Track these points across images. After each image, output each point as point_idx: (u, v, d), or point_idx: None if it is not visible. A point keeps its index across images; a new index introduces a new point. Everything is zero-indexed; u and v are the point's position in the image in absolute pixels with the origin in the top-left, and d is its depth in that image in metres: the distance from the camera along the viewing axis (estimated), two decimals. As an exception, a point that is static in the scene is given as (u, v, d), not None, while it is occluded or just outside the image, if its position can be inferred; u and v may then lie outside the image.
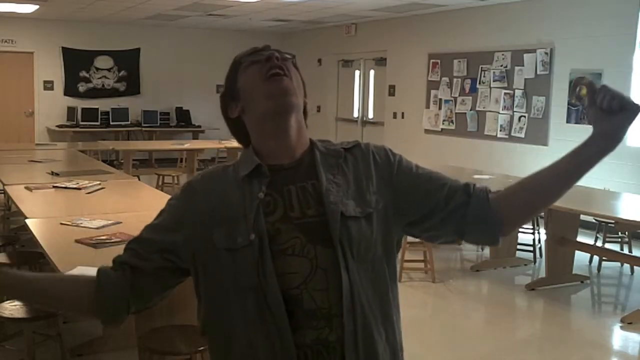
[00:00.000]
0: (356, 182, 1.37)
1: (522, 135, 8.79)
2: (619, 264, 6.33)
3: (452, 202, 1.38)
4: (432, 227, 1.41)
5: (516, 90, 8.88)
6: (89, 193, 4.83)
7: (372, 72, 11.98)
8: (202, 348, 2.86)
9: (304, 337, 1.25)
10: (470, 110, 9.62)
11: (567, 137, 8.19)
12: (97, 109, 12.45)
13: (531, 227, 6.51)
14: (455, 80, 9.89)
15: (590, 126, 1.35)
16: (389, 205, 1.38)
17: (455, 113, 9.89)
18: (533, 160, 8.50)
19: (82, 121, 12.35)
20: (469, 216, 1.38)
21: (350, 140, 1.47)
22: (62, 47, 12.46)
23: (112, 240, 3.33)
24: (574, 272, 5.82)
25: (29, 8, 10.68)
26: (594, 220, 6.25)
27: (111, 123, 12.46)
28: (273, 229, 1.30)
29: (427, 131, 10.43)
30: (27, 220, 3.83)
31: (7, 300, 3.38)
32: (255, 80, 1.39)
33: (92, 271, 2.94)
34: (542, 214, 5.95)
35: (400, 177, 1.41)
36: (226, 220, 1.33)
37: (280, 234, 1.29)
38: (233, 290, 1.31)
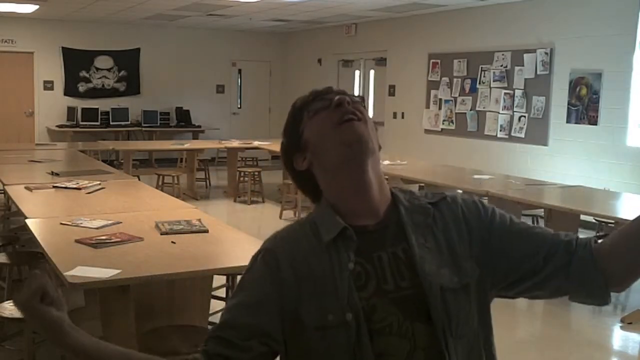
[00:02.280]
0: (449, 247, 1.24)
1: (522, 135, 8.79)
2: (619, 264, 6.32)
3: (550, 264, 1.23)
4: (528, 290, 1.28)
5: (516, 90, 8.88)
6: (89, 193, 4.83)
7: (372, 72, 11.98)
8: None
9: None
10: (470, 110, 9.62)
11: (567, 137, 8.20)
12: (97, 109, 12.45)
13: (531, 227, 6.50)
14: (455, 80, 9.89)
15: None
16: (486, 272, 1.25)
17: (455, 113, 9.89)
18: (533, 160, 8.51)
19: (82, 121, 12.34)
20: (571, 279, 1.22)
21: (436, 192, 1.34)
22: (62, 47, 12.46)
23: (112, 240, 3.32)
24: (574, 272, 5.81)
25: (29, 8, 10.68)
26: (594, 220, 6.25)
27: (111, 123, 12.46)
28: (368, 305, 1.17)
29: (427, 131, 10.43)
30: (27, 220, 3.83)
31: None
32: (325, 128, 1.25)
33: (92, 271, 2.95)
34: (543, 213, 5.95)
35: (494, 238, 1.26)
36: (315, 295, 1.19)
37: (376, 311, 1.17)
38: None
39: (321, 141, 1.26)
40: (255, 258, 1.27)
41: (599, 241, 1.24)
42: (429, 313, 1.17)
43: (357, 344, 1.15)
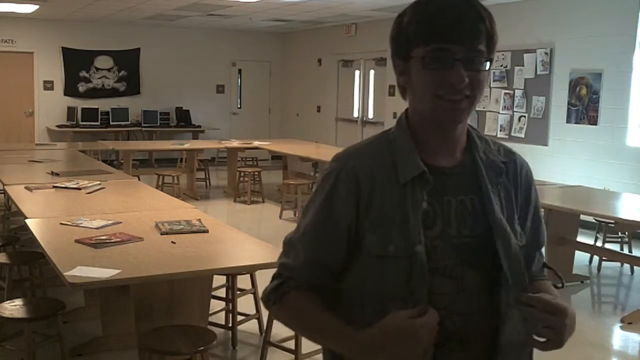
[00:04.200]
0: (508, 208, 1.30)
1: (522, 135, 8.79)
2: (619, 264, 6.33)
3: (527, 269, 1.34)
4: None
5: (516, 90, 8.88)
6: (89, 193, 4.83)
7: (372, 72, 11.97)
8: (202, 348, 2.86)
9: (435, 358, 1.18)
10: (470, 110, 9.62)
11: (567, 137, 8.20)
12: (97, 109, 12.44)
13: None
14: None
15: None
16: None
17: (455, 113, 9.89)
18: (533, 160, 8.46)
19: (82, 121, 12.34)
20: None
21: (507, 149, 1.37)
22: (62, 47, 12.46)
23: (112, 240, 3.33)
24: (574, 272, 5.81)
25: (29, 8, 10.68)
26: (594, 220, 6.25)
27: (111, 123, 12.46)
28: (431, 245, 1.21)
29: (427, 131, 10.42)
30: (27, 220, 3.84)
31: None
32: (427, 93, 1.22)
33: (92, 271, 2.95)
34: (543, 213, 5.95)
35: (521, 221, 1.34)
36: (381, 223, 1.23)
37: (437, 251, 1.21)
38: (374, 299, 1.23)
39: (420, 95, 1.25)
40: (335, 176, 1.27)
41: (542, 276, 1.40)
42: (480, 262, 1.23)
43: (415, 278, 1.19)
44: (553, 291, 1.36)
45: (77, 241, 3.33)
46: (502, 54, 9.05)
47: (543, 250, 1.42)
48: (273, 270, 1.37)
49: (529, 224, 1.35)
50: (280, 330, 3.81)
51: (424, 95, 1.23)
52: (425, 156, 1.26)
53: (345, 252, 1.26)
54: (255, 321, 4.32)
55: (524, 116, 8.78)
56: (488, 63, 1.24)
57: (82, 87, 12.75)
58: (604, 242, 6.37)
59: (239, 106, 14.31)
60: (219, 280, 4.16)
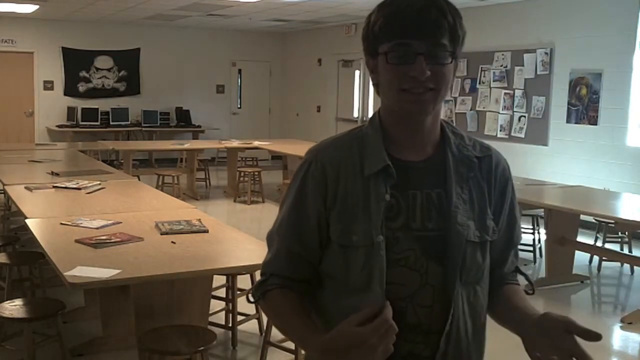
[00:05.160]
0: (480, 203, 1.32)
1: (522, 135, 8.79)
2: (619, 264, 6.33)
3: (498, 269, 1.39)
4: None
5: (516, 90, 8.88)
6: (89, 193, 4.83)
7: (372, 72, 11.97)
8: (202, 348, 2.86)
9: (398, 349, 1.18)
10: (470, 110, 9.62)
11: (567, 137, 8.20)
12: (97, 109, 12.44)
13: (531, 227, 6.51)
14: (455, 80, 9.88)
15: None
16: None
17: (455, 113, 9.89)
18: (533, 160, 8.50)
19: (82, 121, 12.34)
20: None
21: (483, 145, 1.38)
22: (62, 47, 12.46)
23: (112, 240, 3.33)
24: (574, 272, 5.81)
25: (29, 8, 10.68)
26: (594, 220, 6.25)
27: (111, 123, 12.45)
28: (393, 236, 1.25)
29: (427, 131, 10.42)
30: (27, 220, 3.84)
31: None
32: (392, 87, 1.26)
33: (92, 271, 2.95)
34: (543, 213, 5.95)
35: (496, 216, 1.35)
36: (345, 214, 1.27)
37: (399, 242, 1.25)
38: (343, 289, 1.28)
39: (386, 90, 1.28)
40: (305, 170, 1.32)
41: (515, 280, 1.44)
42: (445, 256, 1.26)
43: (374, 268, 1.23)
44: (524, 298, 1.38)
45: (77, 241, 3.33)
46: (502, 54, 9.05)
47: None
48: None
49: (504, 221, 1.37)
50: (280, 330, 3.81)
51: (390, 90, 1.26)
52: (394, 151, 1.29)
53: (318, 243, 1.31)
54: (255, 321, 4.32)
55: (524, 116, 8.78)
56: (452, 57, 1.26)
57: (82, 87, 12.75)
58: (604, 242, 6.36)
59: (239, 106, 14.31)
60: (219, 280, 4.16)
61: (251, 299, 1.40)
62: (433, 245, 1.26)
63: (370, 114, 12.27)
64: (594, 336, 1.21)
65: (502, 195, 1.36)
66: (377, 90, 1.32)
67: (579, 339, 1.21)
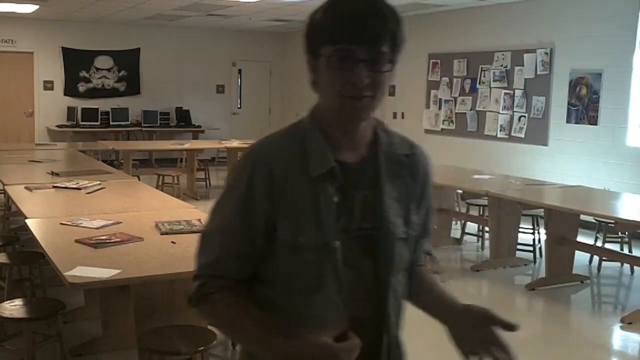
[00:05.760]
0: (407, 200, 1.39)
1: (522, 135, 8.79)
2: (619, 264, 6.33)
3: (412, 255, 1.46)
4: None
5: (516, 90, 8.88)
6: (89, 193, 4.83)
7: (372, 72, 11.96)
8: (202, 348, 2.86)
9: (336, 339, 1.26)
10: (470, 110, 9.62)
11: (567, 137, 8.20)
12: (97, 109, 12.45)
13: (531, 227, 6.51)
14: (455, 80, 9.89)
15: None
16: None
17: (455, 113, 9.89)
18: (533, 160, 8.51)
19: (82, 121, 12.34)
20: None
21: (411, 143, 1.45)
22: (62, 47, 12.46)
23: (112, 240, 3.33)
24: (574, 272, 5.81)
25: (29, 8, 10.68)
26: (594, 220, 6.25)
27: (111, 123, 12.46)
28: (339, 237, 1.30)
29: (427, 131, 10.43)
30: (27, 220, 3.83)
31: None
32: (331, 90, 1.28)
33: (92, 271, 2.95)
34: (543, 213, 5.95)
35: (421, 212, 1.44)
36: (292, 216, 1.29)
37: (341, 244, 1.30)
38: (288, 288, 1.32)
39: (326, 92, 1.31)
40: (250, 170, 1.32)
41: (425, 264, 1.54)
42: (377, 252, 1.34)
43: (327, 269, 1.28)
44: (434, 280, 1.51)
45: (77, 241, 3.33)
46: (502, 54, 9.05)
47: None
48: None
49: (422, 214, 1.44)
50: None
51: (329, 93, 1.29)
52: (334, 151, 1.32)
53: (262, 242, 1.31)
54: (255, 321, 4.31)
55: (524, 116, 8.78)
56: (391, 64, 1.28)
57: (82, 87, 12.75)
58: (604, 242, 6.36)
59: (239, 106, 14.31)
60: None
61: (191, 304, 1.39)
62: (368, 243, 1.33)
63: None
64: (511, 327, 1.31)
65: (423, 190, 1.43)
66: (314, 89, 1.34)
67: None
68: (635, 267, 6.12)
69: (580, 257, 6.10)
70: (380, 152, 1.36)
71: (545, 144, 8.45)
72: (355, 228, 1.31)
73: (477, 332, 1.33)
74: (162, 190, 6.71)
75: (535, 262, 6.43)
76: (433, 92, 10.30)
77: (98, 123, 12.37)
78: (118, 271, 2.85)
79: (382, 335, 1.36)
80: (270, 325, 1.29)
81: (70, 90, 12.64)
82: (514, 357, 1.30)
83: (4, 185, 5.32)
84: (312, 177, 1.29)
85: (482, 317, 1.34)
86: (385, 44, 1.25)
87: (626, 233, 6.40)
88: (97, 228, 3.62)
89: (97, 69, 12.82)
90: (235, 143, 9.95)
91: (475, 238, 7.16)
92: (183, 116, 13.12)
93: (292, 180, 1.29)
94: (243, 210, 1.31)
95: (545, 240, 5.81)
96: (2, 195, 6.24)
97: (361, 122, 1.33)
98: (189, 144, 10.20)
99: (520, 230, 6.35)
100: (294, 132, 1.35)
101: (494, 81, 9.21)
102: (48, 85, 12.53)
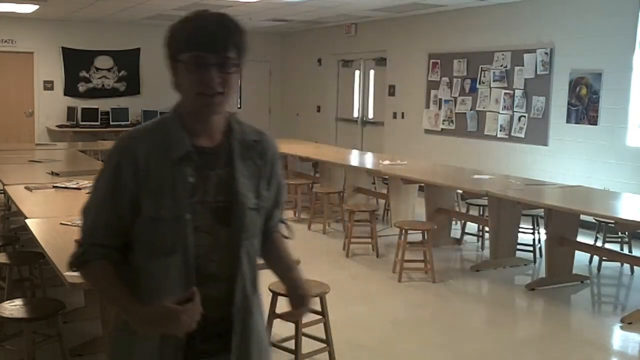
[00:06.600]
0: (256, 177, 1.69)
1: (522, 135, 8.79)
2: (619, 264, 6.33)
3: (267, 222, 1.79)
4: None
5: (516, 90, 8.88)
6: (89, 193, 4.82)
7: (372, 72, 11.97)
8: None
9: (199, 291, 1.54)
10: (470, 110, 9.62)
11: (567, 137, 8.20)
12: (97, 109, 12.44)
13: (531, 227, 6.51)
14: (455, 80, 9.89)
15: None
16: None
17: (455, 113, 9.89)
18: (533, 160, 8.51)
19: (82, 121, 12.34)
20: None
21: (259, 131, 1.75)
22: (62, 47, 12.46)
23: (112, 240, 3.32)
24: (574, 272, 5.82)
25: (29, 8, 10.68)
26: (594, 220, 6.25)
27: (111, 123, 12.45)
28: (192, 209, 1.58)
29: (427, 131, 10.43)
30: (27, 220, 3.84)
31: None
32: (189, 90, 1.59)
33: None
34: (543, 213, 5.95)
35: (272, 187, 1.76)
36: (154, 192, 1.57)
37: (197, 214, 1.58)
38: (149, 253, 1.60)
39: (185, 92, 1.62)
40: (118, 155, 1.61)
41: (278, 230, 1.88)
42: (231, 221, 1.62)
43: (180, 236, 1.57)
44: (284, 245, 1.86)
45: (77, 241, 3.32)
46: (502, 54, 9.05)
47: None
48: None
49: (273, 189, 1.75)
50: (280, 330, 3.81)
51: (188, 92, 1.60)
52: (192, 138, 1.61)
53: (130, 216, 1.60)
54: (255, 321, 4.31)
55: (524, 116, 8.78)
56: (237, 66, 1.59)
57: (82, 87, 12.75)
58: (604, 242, 6.36)
59: (239, 106, 14.30)
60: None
61: (71, 268, 1.66)
62: (223, 213, 1.62)
63: (371, 114, 12.33)
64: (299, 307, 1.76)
65: (272, 169, 1.74)
66: (175, 88, 1.65)
67: None
68: (635, 267, 6.12)
69: (580, 257, 6.10)
70: (233, 139, 1.66)
71: (545, 144, 8.45)
72: (211, 201, 1.61)
73: (293, 299, 1.76)
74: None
75: (535, 262, 6.43)
76: (433, 92, 10.30)
77: (98, 123, 12.37)
78: (118, 271, 2.85)
79: (235, 290, 1.62)
80: (131, 293, 1.57)
81: (70, 90, 12.64)
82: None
83: (4, 185, 5.33)
84: (173, 160, 1.58)
85: (296, 290, 1.75)
86: (231, 51, 1.57)
87: (626, 233, 6.40)
88: (97, 228, 3.61)
89: (97, 69, 12.81)
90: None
91: (475, 238, 7.16)
92: (183, 116, 13.11)
93: (155, 164, 1.58)
94: (111, 191, 1.60)
95: (545, 240, 5.81)
96: (2, 195, 6.25)
97: (215, 115, 1.62)
98: (189, 144, 10.17)
99: (520, 230, 6.35)
100: (158, 124, 1.66)
101: (494, 81, 9.20)
102: (48, 85, 12.52)
